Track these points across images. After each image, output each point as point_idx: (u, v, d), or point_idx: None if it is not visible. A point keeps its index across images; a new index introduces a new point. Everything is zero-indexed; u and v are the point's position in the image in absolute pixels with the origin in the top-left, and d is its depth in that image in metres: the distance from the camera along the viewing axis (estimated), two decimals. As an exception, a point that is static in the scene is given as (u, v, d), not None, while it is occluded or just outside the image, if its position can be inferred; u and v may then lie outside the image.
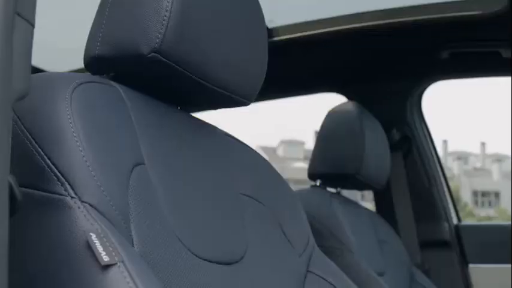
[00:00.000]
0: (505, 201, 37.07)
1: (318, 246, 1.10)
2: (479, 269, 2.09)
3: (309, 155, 1.81)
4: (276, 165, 1.10)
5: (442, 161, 2.30)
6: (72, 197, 0.63)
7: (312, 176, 1.77)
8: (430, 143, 2.20)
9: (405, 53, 1.96)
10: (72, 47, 1.18)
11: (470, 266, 2.09)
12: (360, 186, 1.81)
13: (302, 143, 33.62)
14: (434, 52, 1.86)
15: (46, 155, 0.65)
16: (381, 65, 2.04)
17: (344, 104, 1.83)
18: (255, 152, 1.07)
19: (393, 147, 2.00)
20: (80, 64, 0.88)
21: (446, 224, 2.12)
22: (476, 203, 37.23)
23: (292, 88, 2.26)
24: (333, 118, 1.76)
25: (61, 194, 0.63)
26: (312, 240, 1.08)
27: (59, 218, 0.62)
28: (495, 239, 2.10)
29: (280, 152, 32.68)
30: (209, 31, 0.86)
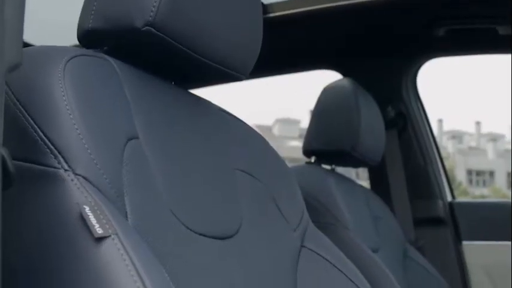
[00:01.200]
0: (499, 180, 37.24)
1: (313, 222, 1.10)
2: (473, 246, 2.10)
3: (304, 133, 1.81)
4: (271, 144, 1.10)
5: (437, 139, 2.30)
6: (65, 170, 0.63)
7: (307, 152, 1.77)
8: (425, 120, 2.20)
9: (400, 30, 1.95)
10: (65, 22, 1.17)
11: (464, 243, 2.10)
12: (355, 163, 1.81)
13: (297, 122, 33.61)
14: (430, 29, 1.85)
15: (39, 128, 0.65)
16: (377, 42, 2.03)
17: (339, 80, 1.83)
18: (250, 127, 1.07)
19: (388, 124, 2.00)
20: (73, 40, 0.87)
21: (440, 201, 2.13)
22: (470, 182, 37.39)
23: (287, 65, 2.25)
24: (328, 94, 1.75)
25: (54, 167, 0.63)
26: (306, 215, 1.08)
27: (53, 191, 0.62)
28: (489, 216, 2.11)
29: (275, 131, 32.67)
30: (204, 5, 0.85)
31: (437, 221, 2.12)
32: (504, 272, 2.03)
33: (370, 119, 1.74)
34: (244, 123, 1.06)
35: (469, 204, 2.27)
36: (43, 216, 0.62)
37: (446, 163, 2.34)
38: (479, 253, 2.08)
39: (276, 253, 0.97)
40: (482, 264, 2.07)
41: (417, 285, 1.81)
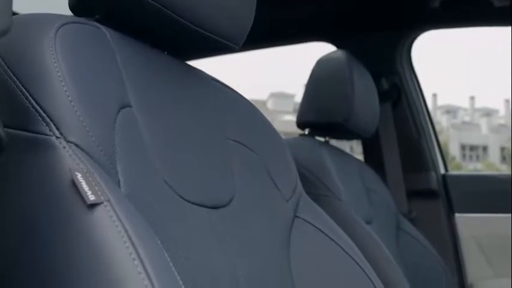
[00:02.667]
0: (492, 155, 37.38)
1: (306, 193, 1.10)
2: (465, 218, 2.11)
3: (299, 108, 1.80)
4: (265, 118, 1.10)
5: (431, 114, 2.31)
6: (57, 137, 0.63)
7: (301, 124, 1.77)
8: (419, 92, 2.20)
9: (395, 1, 1.94)
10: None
11: (456, 215, 2.12)
12: (349, 135, 1.81)
13: (292, 96, 33.57)
14: (425, 0, 1.84)
15: (31, 95, 0.64)
16: (371, 14, 2.02)
17: (333, 52, 1.82)
18: (243, 97, 1.07)
19: (382, 96, 2.00)
20: (65, 9, 0.86)
21: (433, 174, 2.14)
22: (464, 156, 37.52)
23: (281, 37, 2.24)
24: (322, 66, 1.75)
25: (46, 134, 0.63)
26: (300, 186, 1.08)
27: (44, 158, 0.62)
28: (481, 188, 2.12)
29: (269, 105, 32.61)
30: None
31: (430, 193, 2.13)
32: (495, 244, 2.05)
33: (364, 91, 1.74)
34: (237, 93, 1.06)
35: (461, 176, 2.28)
36: (35, 184, 0.61)
37: (440, 138, 2.34)
38: (471, 225, 2.10)
39: (269, 223, 0.97)
40: (474, 236, 2.08)
41: (410, 257, 1.82)
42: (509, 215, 2.04)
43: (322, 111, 1.70)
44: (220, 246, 0.84)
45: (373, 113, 1.81)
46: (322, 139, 1.78)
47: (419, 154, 2.15)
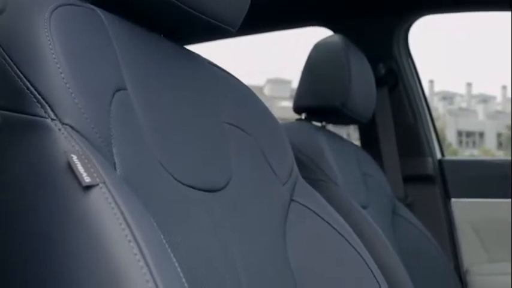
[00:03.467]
0: (489, 142, 37.45)
1: (303, 178, 1.10)
2: (461, 204, 2.12)
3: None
4: (262, 104, 1.09)
5: (428, 100, 2.30)
6: (52, 119, 0.62)
7: (297, 109, 1.76)
8: (416, 78, 2.19)
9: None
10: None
11: (453, 200, 2.12)
12: (345, 120, 1.81)
13: (289, 82, 33.52)
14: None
15: (25, 77, 0.64)
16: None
17: (330, 37, 1.81)
18: (240, 81, 1.07)
19: (379, 81, 2.00)
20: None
21: (429, 159, 2.14)
22: (460, 143, 37.59)
23: (277, 21, 2.23)
24: (318, 50, 1.74)
25: (41, 116, 0.62)
26: (296, 169, 1.08)
27: (40, 140, 0.61)
28: (478, 174, 2.12)
29: (266, 91, 32.57)
30: None
31: (426, 179, 2.13)
32: (491, 229, 2.06)
33: (361, 76, 1.73)
34: (234, 77, 1.06)
35: (458, 161, 2.29)
36: (30, 166, 0.61)
37: (436, 124, 2.34)
38: (467, 210, 2.10)
39: (265, 206, 0.97)
40: (470, 221, 2.09)
41: (406, 242, 1.83)
42: (505, 200, 2.04)
43: (318, 96, 1.70)
44: (216, 229, 0.84)
45: (370, 98, 1.80)
46: (318, 124, 1.78)
47: (416, 139, 2.15)
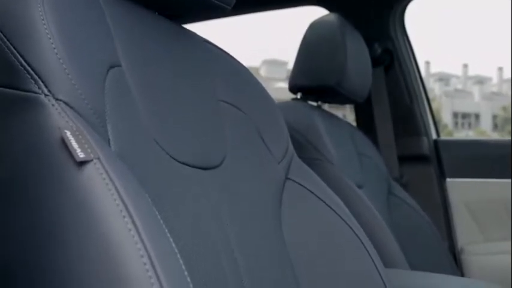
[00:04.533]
0: (484, 123, 37.51)
1: (298, 157, 1.10)
2: (456, 183, 2.12)
3: (292, 75, 1.79)
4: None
5: (424, 82, 2.30)
6: (46, 95, 0.62)
7: (293, 88, 1.76)
8: (412, 57, 2.19)
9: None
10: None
11: (448, 180, 2.13)
12: (341, 99, 1.80)
13: (285, 63, 33.47)
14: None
15: (19, 53, 0.63)
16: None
17: (326, 16, 1.80)
18: (235, 59, 1.06)
19: (375, 61, 1.99)
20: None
21: (425, 139, 2.14)
22: (456, 124, 37.64)
23: (273, 0, 2.21)
24: (314, 30, 1.73)
25: (35, 92, 0.62)
26: (291, 148, 1.08)
27: (33, 116, 0.61)
28: (472, 154, 2.12)
29: (262, 72, 32.53)
30: None
31: (422, 158, 2.14)
32: (486, 208, 2.06)
33: (357, 55, 1.73)
34: (230, 55, 1.05)
35: (453, 141, 2.29)
36: (23, 142, 0.61)
37: (432, 105, 2.34)
38: (462, 190, 2.11)
39: (260, 185, 0.97)
40: (465, 201, 2.10)
41: (401, 221, 1.83)
42: (500, 180, 2.05)
43: (314, 75, 1.69)
44: (211, 207, 0.84)
45: (366, 77, 1.80)
46: (314, 103, 1.77)
47: (411, 119, 2.15)
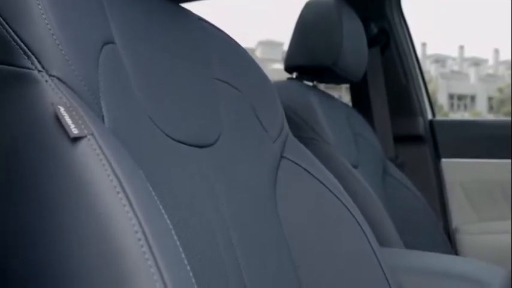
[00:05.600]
0: (480, 105, 37.55)
1: (294, 137, 1.10)
2: (451, 164, 2.13)
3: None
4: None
5: (420, 63, 2.29)
6: (39, 71, 0.61)
7: (288, 68, 1.75)
8: (408, 38, 2.18)
9: None
10: None
11: (443, 160, 2.13)
12: (337, 79, 1.80)
13: (280, 44, 33.40)
14: None
15: (11, 28, 0.63)
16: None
17: (322, -5, 1.79)
18: (230, 37, 1.05)
19: (371, 41, 1.98)
20: None
21: (420, 119, 2.14)
22: (452, 106, 37.68)
23: None
24: (310, 9, 1.72)
25: (28, 68, 0.61)
26: (286, 127, 1.08)
27: (26, 92, 0.60)
28: (468, 134, 2.13)
29: (258, 53, 32.46)
30: None
31: (417, 139, 2.14)
32: (480, 189, 2.07)
33: (353, 35, 1.72)
34: (225, 33, 1.04)
35: (448, 122, 2.29)
36: (17, 119, 0.60)
37: (428, 87, 2.34)
38: (457, 170, 2.12)
39: (255, 163, 0.97)
40: (460, 181, 2.10)
41: (396, 201, 1.84)
42: (495, 160, 2.06)
43: (310, 55, 1.68)
44: (206, 185, 0.83)
45: (362, 57, 1.79)
46: (310, 83, 1.77)
47: (407, 99, 2.15)
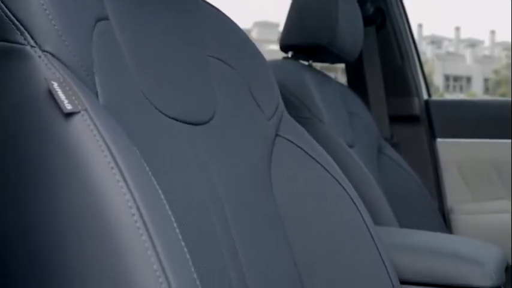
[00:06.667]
0: (476, 86, 37.56)
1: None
2: (447, 144, 2.13)
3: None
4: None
5: (416, 44, 2.29)
6: (32, 46, 0.61)
7: (284, 47, 1.74)
8: (404, 17, 2.17)
9: None
10: None
11: (438, 140, 2.14)
12: (332, 58, 1.79)
13: (276, 25, 33.25)
14: None
15: (4, 3, 0.62)
16: None
17: (318, -27, 1.78)
18: (225, 15, 1.05)
19: (367, 20, 1.97)
20: None
21: (416, 99, 2.14)
22: (447, 87, 37.67)
23: None
24: (306, -13, 1.71)
25: (21, 43, 0.61)
26: (282, 105, 1.07)
27: (19, 68, 0.60)
28: (463, 114, 2.13)
29: (254, 34, 32.35)
30: None
31: (412, 119, 2.14)
32: (475, 168, 2.08)
33: (348, 14, 1.71)
34: (220, 11, 1.04)
35: (443, 102, 2.29)
36: (9, 95, 0.60)
37: (424, 68, 2.33)
38: (452, 150, 2.12)
39: (250, 141, 0.96)
40: (455, 161, 2.11)
41: (391, 181, 1.84)
42: (490, 140, 2.06)
43: (305, 34, 1.67)
44: (200, 162, 0.83)
45: (357, 37, 1.78)
46: (305, 63, 1.76)
47: (403, 79, 2.14)
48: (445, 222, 1.99)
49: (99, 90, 0.67)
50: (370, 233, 1.02)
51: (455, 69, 38.09)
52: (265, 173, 0.98)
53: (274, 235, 0.96)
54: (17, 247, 0.56)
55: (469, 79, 38.64)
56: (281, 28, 1.75)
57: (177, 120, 0.81)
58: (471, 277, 1.08)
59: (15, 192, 0.57)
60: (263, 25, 34.78)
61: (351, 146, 1.65)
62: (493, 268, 1.09)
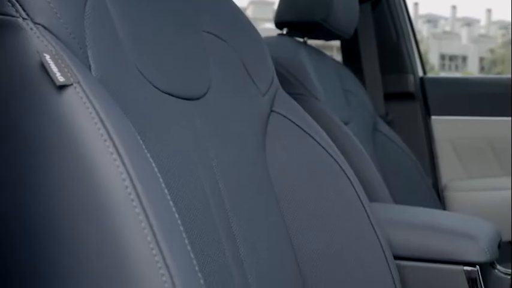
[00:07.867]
0: (471, 65, 37.53)
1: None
2: (442, 121, 2.13)
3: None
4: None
5: (412, 23, 2.28)
6: (24, 19, 0.60)
7: (279, 24, 1.73)
8: (399, -6, 2.16)
9: None
10: None
11: (433, 117, 2.14)
12: (327, 35, 1.78)
13: (272, 3, 33.11)
14: None
15: None
16: None
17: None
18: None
19: (362, -4, 1.96)
20: None
21: (411, 76, 2.13)
22: (443, 66, 37.63)
23: None
24: (301, -37, 1.70)
25: (12, 16, 0.60)
26: (276, 81, 1.07)
27: (11, 40, 0.59)
28: (458, 91, 2.13)
29: (249, 13, 32.18)
30: None
31: (407, 96, 2.14)
32: (469, 146, 2.08)
33: (343, -10, 1.70)
34: None
35: (439, 79, 2.29)
36: (1, 67, 0.60)
37: (420, 47, 2.33)
38: (446, 128, 2.12)
39: (245, 116, 0.96)
40: (449, 139, 2.11)
41: (386, 158, 1.84)
42: (485, 118, 2.06)
43: (300, 10, 1.66)
44: (195, 137, 0.83)
45: (352, 13, 1.77)
46: (300, 39, 1.75)
47: (398, 57, 2.14)
48: (439, 199, 2.00)
49: (92, 63, 0.66)
50: (365, 209, 1.02)
51: (451, 48, 38.02)
52: (259, 148, 0.98)
53: (267, 207, 0.96)
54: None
55: (464, 58, 38.59)
56: (276, 7, 1.74)
57: (171, 94, 0.80)
58: (465, 252, 1.08)
59: (8, 163, 0.57)
60: (259, 3, 34.60)
61: (346, 123, 1.65)
62: (486, 244, 1.09)
